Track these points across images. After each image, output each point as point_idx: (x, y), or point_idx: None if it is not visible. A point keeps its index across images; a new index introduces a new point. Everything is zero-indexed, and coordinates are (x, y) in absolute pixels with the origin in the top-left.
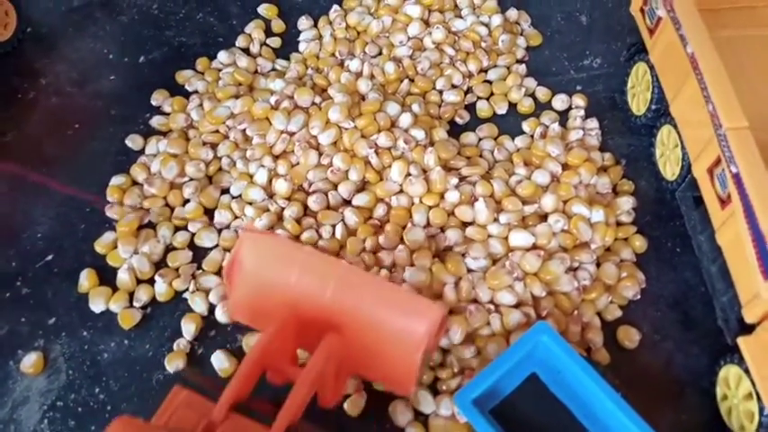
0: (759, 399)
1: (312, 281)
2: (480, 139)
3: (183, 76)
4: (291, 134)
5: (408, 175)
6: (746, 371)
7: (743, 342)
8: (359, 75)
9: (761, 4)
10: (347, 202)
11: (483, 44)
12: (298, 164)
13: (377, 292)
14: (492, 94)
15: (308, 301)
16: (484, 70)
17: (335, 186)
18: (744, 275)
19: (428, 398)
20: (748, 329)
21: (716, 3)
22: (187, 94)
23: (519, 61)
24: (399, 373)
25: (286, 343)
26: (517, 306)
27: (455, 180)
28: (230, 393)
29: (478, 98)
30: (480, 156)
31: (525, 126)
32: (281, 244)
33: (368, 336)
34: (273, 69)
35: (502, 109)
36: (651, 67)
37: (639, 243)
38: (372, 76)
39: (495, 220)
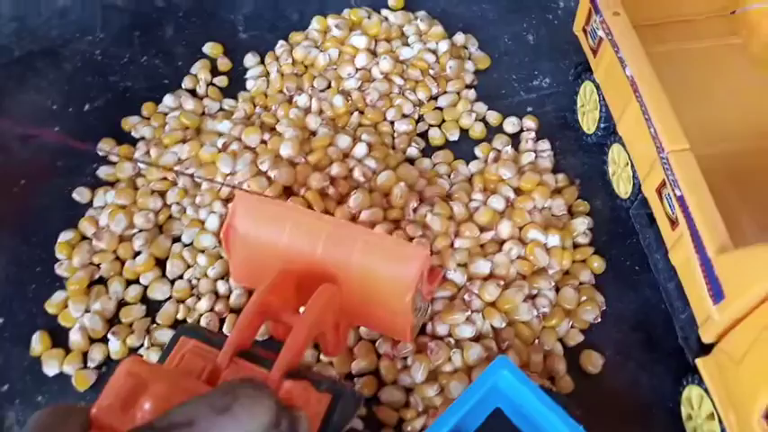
0: (720, 420)
1: (303, 237)
2: (435, 165)
3: (129, 123)
4: (234, 174)
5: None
6: (707, 391)
7: (701, 363)
8: (307, 111)
9: (699, 17)
10: None
11: (431, 71)
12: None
13: (365, 243)
14: (443, 121)
15: (301, 257)
16: (434, 98)
17: None
18: (697, 296)
19: None
20: (708, 349)
21: (655, 18)
22: (134, 142)
23: (468, 86)
24: (395, 319)
25: (285, 294)
26: (477, 339)
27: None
28: (233, 341)
29: (430, 126)
30: (439, 177)
31: (478, 151)
32: (271, 204)
33: (361, 285)
34: (221, 110)
35: (454, 135)
36: (597, 86)
37: (597, 264)
38: (321, 111)
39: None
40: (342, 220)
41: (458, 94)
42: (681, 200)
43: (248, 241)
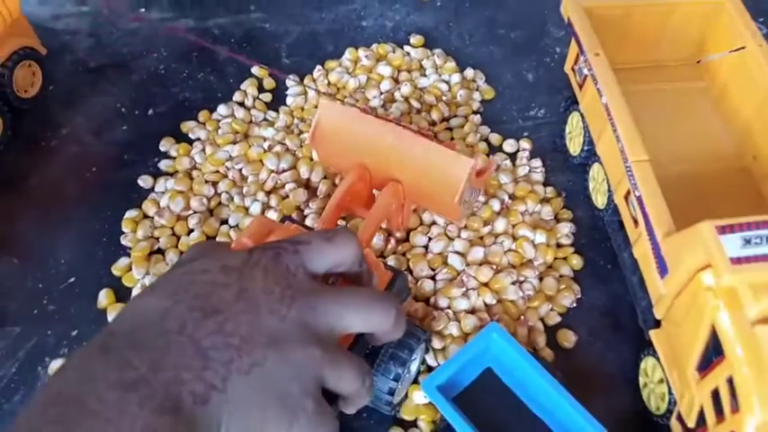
0: (668, 381)
1: (375, 135)
2: None
3: (187, 126)
4: (281, 173)
5: None
6: (659, 359)
7: (653, 334)
8: None
9: (669, 64)
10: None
11: (444, 98)
12: (287, 197)
13: (425, 149)
14: (452, 138)
15: (373, 151)
16: (445, 119)
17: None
18: (652, 280)
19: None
20: (659, 324)
21: (632, 62)
22: (190, 142)
23: (475, 112)
24: (446, 209)
25: (361, 190)
26: (472, 312)
27: None
28: (321, 226)
29: (441, 142)
30: None
31: (480, 160)
32: (349, 108)
33: (419, 184)
34: (265, 119)
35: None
36: (582, 116)
37: (576, 261)
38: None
39: (454, 238)
40: (404, 129)
41: (465, 117)
42: (639, 199)
43: (331, 139)
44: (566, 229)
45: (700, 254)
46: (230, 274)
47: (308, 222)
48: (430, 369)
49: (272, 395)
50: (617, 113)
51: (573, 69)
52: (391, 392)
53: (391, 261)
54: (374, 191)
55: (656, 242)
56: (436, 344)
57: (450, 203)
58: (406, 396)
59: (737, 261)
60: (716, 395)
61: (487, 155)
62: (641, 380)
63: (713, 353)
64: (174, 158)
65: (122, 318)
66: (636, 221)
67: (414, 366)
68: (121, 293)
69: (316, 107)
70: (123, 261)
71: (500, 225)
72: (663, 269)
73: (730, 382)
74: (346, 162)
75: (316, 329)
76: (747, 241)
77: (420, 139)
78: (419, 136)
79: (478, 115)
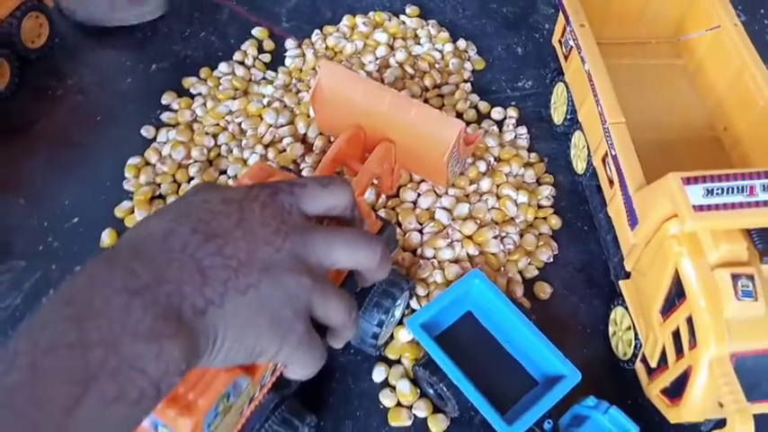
0: (635, 327)
1: (372, 99)
2: None
3: (189, 82)
4: (279, 127)
5: None
6: (627, 308)
7: (623, 284)
8: None
9: (649, 41)
10: None
11: (437, 66)
12: (284, 151)
13: (418, 109)
14: (443, 105)
15: (370, 113)
16: (437, 86)
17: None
18: (624, 234)
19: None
20: (628, 277)
21: (616, 38)
22: (192, 96)
23: (465, 81)
24: (434, 170)
25: (356, 148)
26: (455, 262)
27: None
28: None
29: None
30: None
31: (470, 130)
32: (349, 71)
33: (411, 142)
34: (264, 78)
35: (450, 116)
36: (567, 86)
37: (555, 221)
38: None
39: (441, 195)
40: (401, 92)
41: (456, 85)
42: (615, 158)
43: (330, 97)
44: (546, 191)
45: (666, 204)
46: (230, 205)
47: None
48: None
49: (265, 315)
50: (598, 79)
51: (560, 42)
52: (375, 336)
53: (381, 214)
54: (367, 154)
55: (628, 197)
56: (420, 291)
57: (439, 163)
58: (392, 337)
59: (700, 209)
60: (676, 335)
61: (476, 122)
62: (610, 329)
63: (675, 296)
64: (176, 111)
65: (127, 236)
66: (611, 182)
67: (398, 312)
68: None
69: (314, 69)
70: (126, 204)
71: (485, 184)
72: (633, 221)
73: (689, 321)
74: (343, 124)
75: (306, 262)
76: (710, 191)
77: (414, 102)
78: (413, 101)
79: (469, 84)
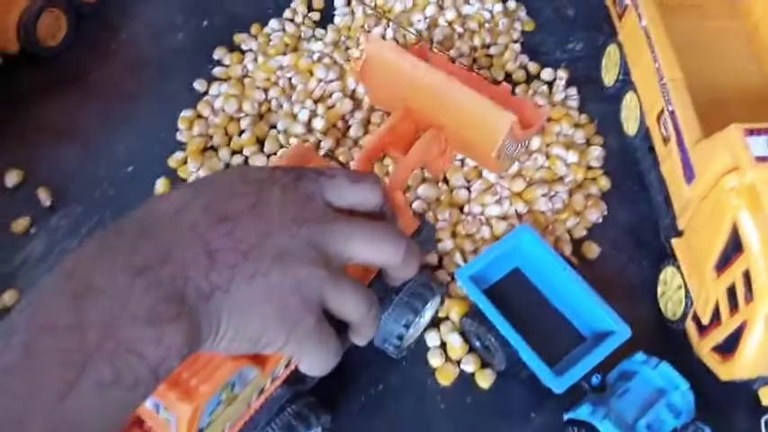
0: (686, 286)
1: (420, 79)
2: None
3: (240, 38)
4: (329, 83)
5: None
6: (678, 268)
7: (675, 243)
8: (384, 38)
9: (706, 3)
10: None
11: (486, 25)
12: (334, 106)
13: (467, 97)
14: (492, 65)
15: (418, 95)
16: (486, 46)
17: (369, 120)
18: (677, 191)
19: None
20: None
21: (672, 1)
22: (242, 52)
23: (515, 41)
24: (485, 160)
25: (404, 134)
26: (504, 218)
27: None
28: (358, 164)
29: (481, 68)
30: None
31: (518, 91)
32: (396, 49)
33: (461, 129)
34: (313, 36)
35: (499, 76)
36: (620, 47)
37: (604, 182)
38: (396, 40)
39: None
40: (451, 75)
41: (506, 46)
42: (672, 114)
43: (378, 77)
44: (596, 152)
45: (726, 156)
46: (250, 185)
47: (348, 138)
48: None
49: (272, 305)
50: (656, 35)
51: (614, 1)
52: (400, 337)
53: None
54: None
55: (685, 151)
56: (468, 246)
57: (488, 155)
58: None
59: (762, 160)
60: (731, 291)
61: (526, 82)
62: (660, 289)
63: (732, 251)
64: (228, 66)
65: (143, 208)
66: (666, 140)
67: (427, 316)
68: (177, 183)
69: (362, 27)
70: (179, 154)
71: (535, 143)
72: (690, 176)
73: (746, 275)
74: (393, 101)
75: (324, 251)
76: None
77: (464, 88)
78: (464, 84)
79: (518, 44)
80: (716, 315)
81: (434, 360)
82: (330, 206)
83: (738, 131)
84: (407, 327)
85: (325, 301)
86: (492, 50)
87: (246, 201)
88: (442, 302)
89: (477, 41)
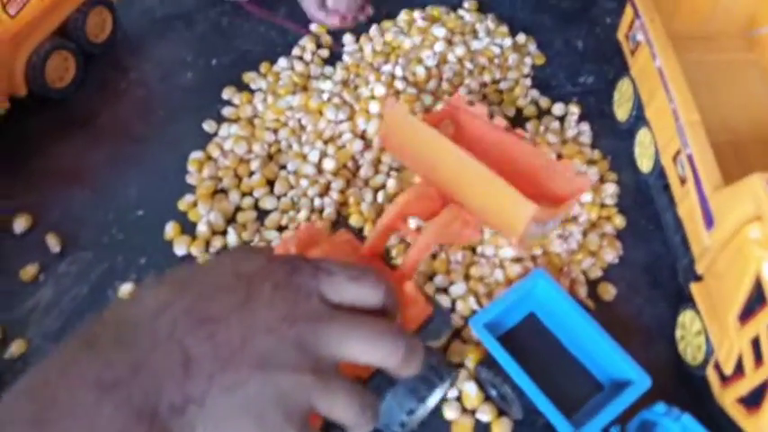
0: (706, 332)
1: (438, 155)
2: None
3: (249, 77)
4: (339, 123)
5: None
6: (698, 312)
7: (694, 287)
8: (393, 76)
9: (722, 35)
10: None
11: (496, 60)
12: (344, 147)
13: (485, 182)
14: (502, 101)
15: (436, 169)
16: (496, 81)
17: (379, 161)
18: (696, 235)
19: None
20: (700, 280)
21: (685, 32)
22: (252, 91)
23: (525, 76)
24: (509, 238)
25: (421, 207)
26: (518, 261)
27: None
28: (367, 246)
29: (491, 104)
30: None
31: (529, 126)
32: (413, 120)
33: (481, 211)
34: (322, 74)
35: (510, 112)
36: (632, 82)
37: (619, 221)
38: (405, 78)
39: None
40: (469, 154)
41: (516, 81)
42: (690, 157)
43: (397, 145)
44: (610, 189)
45: (748, 206)
46: (240, 280)
47: (359, 179)
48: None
49: (250, 417)
50: (671, 76)
51: (626, 36)
52: (402, 425)
53: None
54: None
55: (703, 197)
56: (481, 289)
57: (511, 239)
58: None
59: None
60: (755, 342)
61: (537, 118)
62: (678, 333)
63: (756, 302)
64: (237, 106)
65: (117, 310)
66: (683, 181)
67: (432, 401)
68: (187, 227)
69: (371, 65)
70: (189, 197)
71: None
72: (709, 222)
73: None
74: (417, 168)
75: (314, 353)
76: None
77: (482, 170)
78: (481, 170)
79: (529, 78)
80: (739, 366)
81: (450, 413)
82: (327, 303)
83: (761, 181)
84: (411, 414)
85: (314, 407)
86: (502, 85)
87: (234, 298)
88: (452, 385)
89: (486, 77)
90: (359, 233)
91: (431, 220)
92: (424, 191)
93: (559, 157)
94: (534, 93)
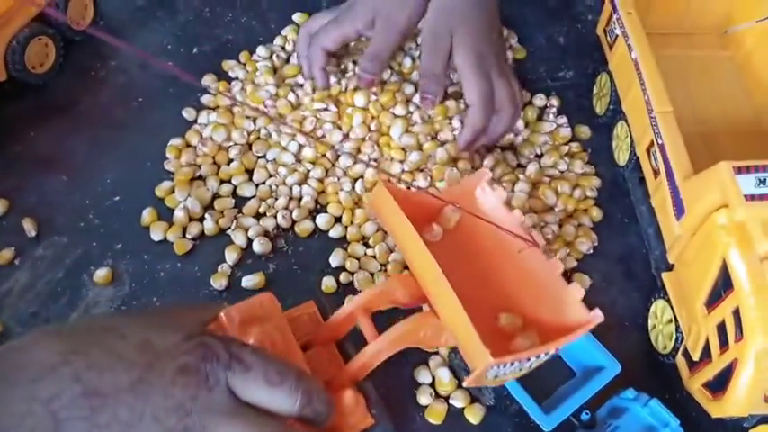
0: (676, 320)
1: (415, 259)
2: None
3: (229, 65)
4: (319, 112)
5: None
6: (669, 301)
7: (666, 276)
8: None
9: (697, 32)
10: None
11: None
12: (324, 137)
13: (454, 309)
14: None
15: (416, 264)
16: None
17: (358, 151)
18: (667, 225)
19: None
20: (671, 269)
21: (662, 28)
22: (230, 80)
23: None
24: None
25: (394, 299)
26: None
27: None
28: (334, 323)
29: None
30: None
31: None
32: (395, 209)
33: (449, 329)
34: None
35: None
36: (610, 76)
37: (596, 213)
38: (391, 68)
39: None
40: (442, 278)
41: None
42: (662, 147)
43: (384, 222)
44: (588, 182)
45: (716, 193)
46: (143, 355)
47: (337, 168)
48: None
49: None
50: (645, 67)
51: (604, 31)
52: None
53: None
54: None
55: (675, 187)
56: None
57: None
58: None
59: (751, 198)
60: (721, 328)
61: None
62: (650, 322)
63: (722, 288)
64: (215, 95)
65: (5, 355)
66: (656, 173)
67: None
68: (163, 213)
69: (353, 56)
70: (166, 184)
71: (525, 172)
72: (680, 211)
73: (736, 313)
74: (400, 249)
75: None
76: (761, 181)
77: (452, 300)
78: (452, 293)
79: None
80: (706, 352)
81: (423, 398)
82: (234, 398)
83: (728, 169)
84: None
85: None
86: None
87: (130, 375)
88: None
89: None
90: (327, 306)
91: (393, 326)
92: (394, 286)
93: (540, 155)
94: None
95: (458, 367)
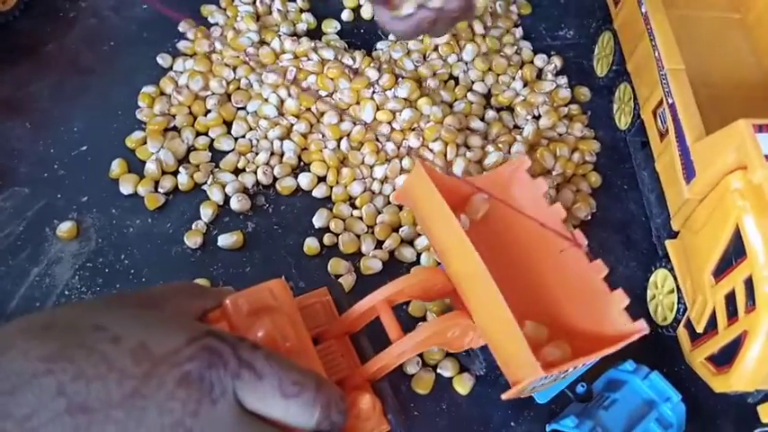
0: (678, 291)
1: (451, 248)
2: None
3: (208, 10)
4: (305, 62)
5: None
6: (671, 270)
7: (669, 244)
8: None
9: None
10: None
11: (489, 8)
12: (308, 89)
13: (493, 303)
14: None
15: (445, 254)
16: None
17: (344, 110)
18: (674, 190)
19: None
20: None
21: None
22: (209, 25)
23: (516, 25)
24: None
25: (424, 292)
26: None
27: None
28: (351, 317)
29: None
30: None
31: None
32: (437, 196)
33: (484, 331)
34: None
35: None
36: (614, 35)
37: (595, 179)
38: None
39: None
40: (485, 272)
41: (507, 30)
42: (672, 107)
43: (412, 204)
44: (587, 146)
45: (731, 154)
46: (139, 364)
47: (322, 124)
48: None
49: None
50: (656, 22)
51: None
52: None
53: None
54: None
55: (685, 148)
56: None
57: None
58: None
59: None
60: (730, 298)
61: (520, 67)
62: (650, 293)
63: (733, 255)
64: (193, 41)
65: None
66: (662, 135)
67: None
68: (134, 165)
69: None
70: (138, 134)
71: (523, 133)
72: (690, 174)
73: (748, 282)
74: (428, 238)
75: None
76: None
77: (498, 300)
78: (498, 292)
79: (520, 28)
80: (711, 323)
81: (411, 368)
82: (241, 409)
83: (747, 127)
84: None
85: None
86: (492, 32)
87: (122, 387)
88: None
89: (477, 28)
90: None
91: (421, 326)
92: (423, 278)
93: (538, 117)
94: (523, 44)
95: (468, 359)
